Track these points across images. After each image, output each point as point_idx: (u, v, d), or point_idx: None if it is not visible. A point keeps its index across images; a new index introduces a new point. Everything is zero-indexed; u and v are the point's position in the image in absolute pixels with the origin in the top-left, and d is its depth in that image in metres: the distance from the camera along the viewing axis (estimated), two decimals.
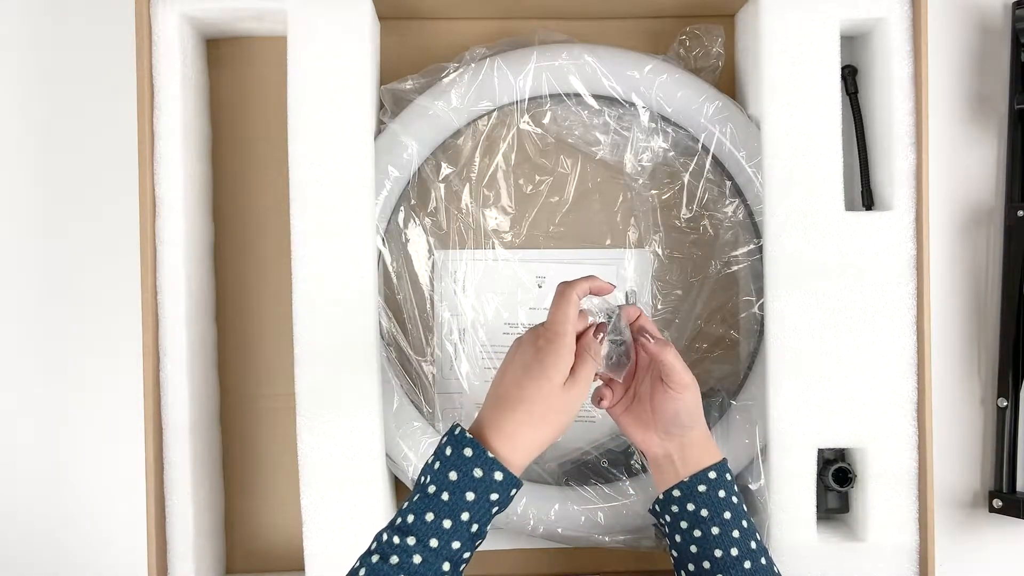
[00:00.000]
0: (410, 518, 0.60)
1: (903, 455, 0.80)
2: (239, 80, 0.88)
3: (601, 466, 0.86)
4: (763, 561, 0.66)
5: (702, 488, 0.67)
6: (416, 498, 0.61)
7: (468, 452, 0.61)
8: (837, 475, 0.81)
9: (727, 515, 0.66)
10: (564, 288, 0.66)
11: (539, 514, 0.82)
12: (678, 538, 0.67)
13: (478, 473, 0.60)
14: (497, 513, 0.62)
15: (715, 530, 0.66)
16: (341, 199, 0.79)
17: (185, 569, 0.80)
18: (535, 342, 0.64)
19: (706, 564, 0.66)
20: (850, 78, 0.86)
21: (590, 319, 0.68)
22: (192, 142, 0.82)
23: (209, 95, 0.87)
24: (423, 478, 0.62)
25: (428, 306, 0.87)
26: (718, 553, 0.65)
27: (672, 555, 0.69)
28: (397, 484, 0.87)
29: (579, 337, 0.66)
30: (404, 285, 0.86)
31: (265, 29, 0.85)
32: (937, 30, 0.88)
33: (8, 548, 0.89)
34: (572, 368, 0.64)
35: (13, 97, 0.88)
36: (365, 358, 0.79)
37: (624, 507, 0.82)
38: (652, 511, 0.71)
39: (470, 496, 0.60)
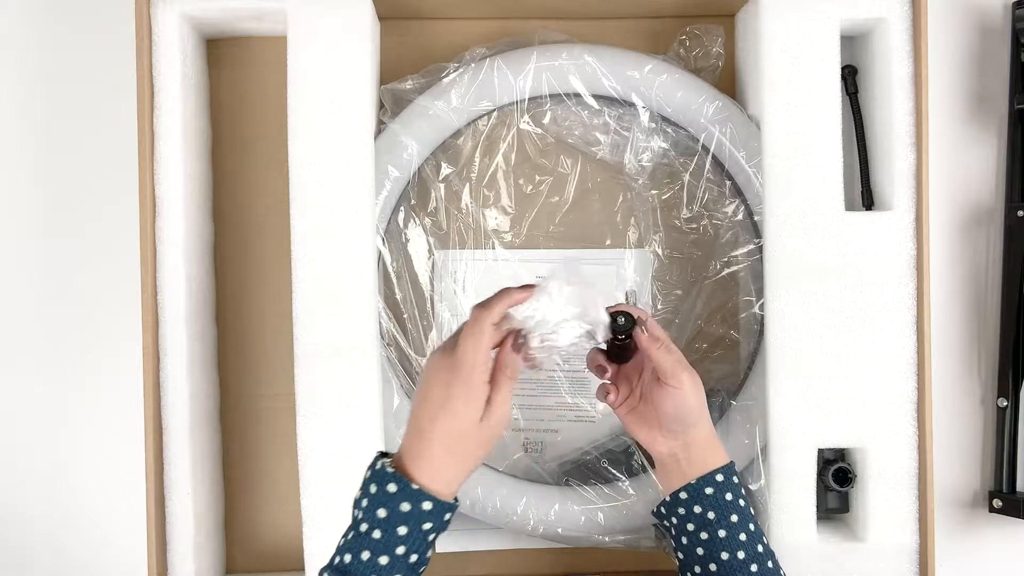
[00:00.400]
0: (347, 557, 0.59)
1: (903, 455, 0.80)
2: (239, 80, 0.88)
3: (601, 466, 0.86)
4: (770, 565, 0.66)
5: (709, 491, 0.66)
6: (351, 536, 0.60)
7: (392, 487, 0.59)
8: (837, 475, 0.81)
9: (734, 518, 0.66)
10: (477, 314, 0.61)
11: (539, 514, 0.82)
12: (684, 540, 0.67)
13: (406, 507, 0.59)
14: (436, 538, 0.61)
15: (722, 533, 0.65)
16: (341, 199, 0.79)
17: (185, 569, 0.80)
18: (445, 373, 0.60)
19: (712, 567, 0.65)
20: (850, 78, 0.86)
21: (517, 320, 0.63)
22: (192, 142, 0.82)
23: (209, 95, 0.87)
24: (356, 513, 0.61)
25: (428, 306, 0.87)
26: (724, 556, 0.65)
27: (677, 557, 0.68)
28: None
29: (499, 345, 0.63)
30: (404, 285, 0.86)
31: (265, 29, 0.85)
32: (937, 30, 0.88)
33: (8, 548, 0.89)
34: (488, 396, 0.61)
35: (13, 97, 0.88)
36: (365, 358, 0.79)
37: (624, 507, 0.82)
38: (656, 513, 0.70)
39: (402, 530, 0.59)
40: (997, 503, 0.87)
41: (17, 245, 0.88)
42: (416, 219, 0.87)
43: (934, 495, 0.80)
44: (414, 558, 0.59)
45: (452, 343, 0.62)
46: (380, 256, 0.84)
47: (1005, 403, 0.87)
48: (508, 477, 0.85)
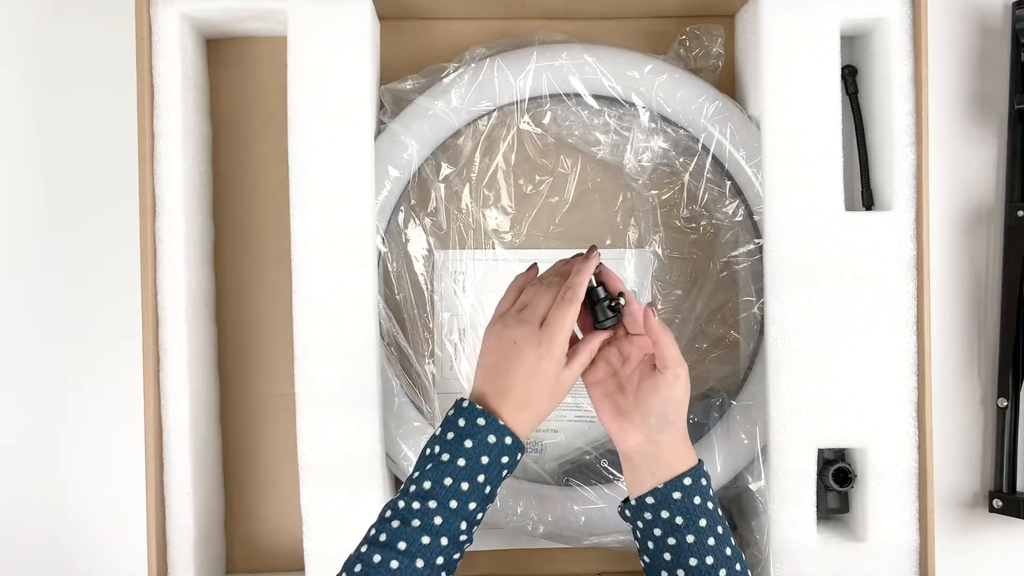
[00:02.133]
0: (427, 484, 0.63)
1: (903, 455, 0.80)
2: (239, 80, 0.88)
3: (601, 466, 0.86)
4: (738, 568, 0.65)
5: (677, 495, 0.65)
6: (429, 467, 0.64)
7: (480, 421, 0.64)
8: (837, 475, 0.81)
9: (702, 522, 0.65)
10: (570, 295, 0.67)
11: (539, 514, 0.82)
12: (651, 545, 0.66)
13: (491, 439, 0.64)
14: (506, 476, 0.66)
15: (690, 538, 0.64)
16: (341, 199, 0.79)
17: (185, 569, 0.80)
18: (536, 346, 0.66)
19: (680, 573, 0.64)
20: (850, 78, 0.86)
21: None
22: (192, 142, 0.82)
23: (209, 95, 0.87)
24: (433, 449, 0.65)
25: (428, 306, 0.87)
26: (693, 562, 0.64)
27: (643, 561, 0.67)
28: (397, 484, 0.87)
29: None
30: (404, 285, 0.86)
31: (265, 29, 0.85)
32: (937, 30, 0.88)
33: (8, 548, 0.89)
34: (569, 352, 0.67)
35: (13, 97, 0.88)
36: (365, 358, 0.79)
37: None
38: (621, 514, 0.69)
39: (484, 460, 0.64)
40: (997, 503, 0.87)
41: (17, 245, 0.88)
42: (416, 219, 0.87)
43: (934, 495, 0.80)
44: (488, 489, 0.64)
45: (532, 316, 0.67)
46: (380, 256, 0.84)
47: (1005, 403, 0.87)
48: (508, 477, 0.85)
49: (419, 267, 0.87)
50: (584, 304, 0.69)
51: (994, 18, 0.90)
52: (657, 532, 0.65)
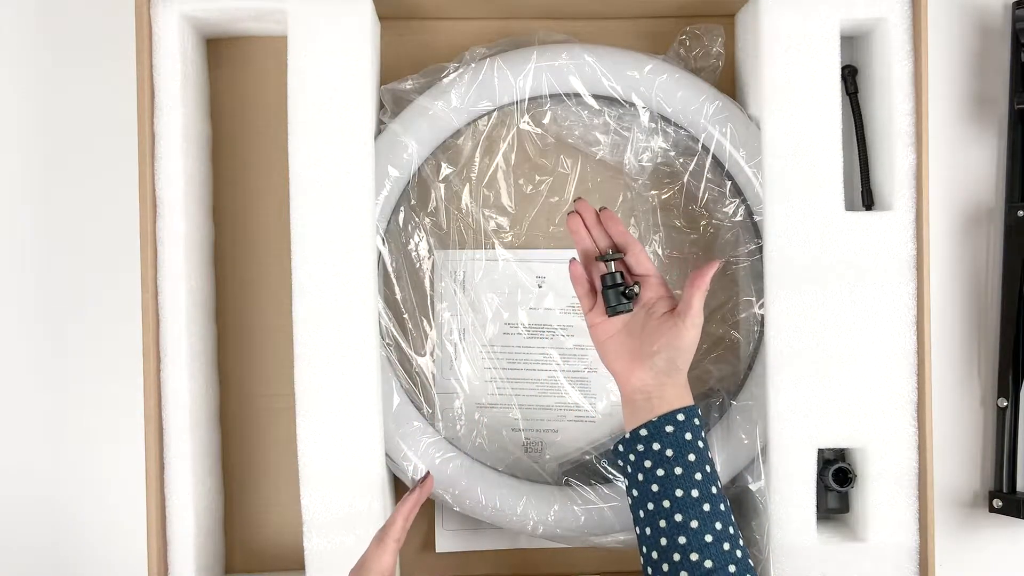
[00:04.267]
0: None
1: (903, 455, 0.80)
2: (239, 80, 0.88)
3: (601, 466, 0.86)
4: (722, 507, 0.67)
5: (669, 428, 0.68)
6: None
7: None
8: (837, 475, 0.81)
9: (691, 457, 0.67)
10: (382, 535, 0.68)
11: (539, 514, 0.82)
12: (640, 477, 0.68)
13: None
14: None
15: (678, 470, 0.67)
16: (341, 199, 0.79)
17: (185, 569, 0.79)
18: None
19: (666, 503, 0.66)
20: (850, 78, 0.86)
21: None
22: (192, 142, 0.82)
23: (209, 95, 0.87)
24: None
25: (428, 306, 0.87)
26: (679, 493, 0.66)
27: (631, 495, 0.69)
28: (397, 484, 0.87)
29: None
30: (404, 285, 0.86)
31: (265, 29, 0.85)
32: (937, 30, 0.88)
33: (8, 548, 0.89)
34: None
35: (13, 97, 0.88)
36: (365, 358, 0.79)
37: (624, 507, 0.82)
38: (615, 451, 0.72)
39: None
40: (997, 503, 0.87)
41: (17, 245, 0.88)
42: (416, 219, 0.87)
43: (934, 495, 0.80)
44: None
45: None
46: (380, 256, 0.84)
47: (1005, 403, 0.87)
48: (508, 477, 0.85)
49: (419, 267, 0.87)
50: (597, 287, 0.72)
51: (994, 18, 0.90)
52: (647, 464, 0.68)
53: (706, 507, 0.66)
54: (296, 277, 0.79)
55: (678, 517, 0.66)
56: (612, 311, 0.72)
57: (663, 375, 0.70)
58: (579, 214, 0.75)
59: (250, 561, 0.88)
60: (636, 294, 0.72)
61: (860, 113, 0.86)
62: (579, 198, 0.75)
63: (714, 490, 0.67)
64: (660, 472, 0.67)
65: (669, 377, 0.70)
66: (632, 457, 0.69)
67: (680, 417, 0.68)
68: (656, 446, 0.68)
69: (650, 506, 0.67)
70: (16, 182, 0.88)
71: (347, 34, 0.79)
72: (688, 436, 0.68)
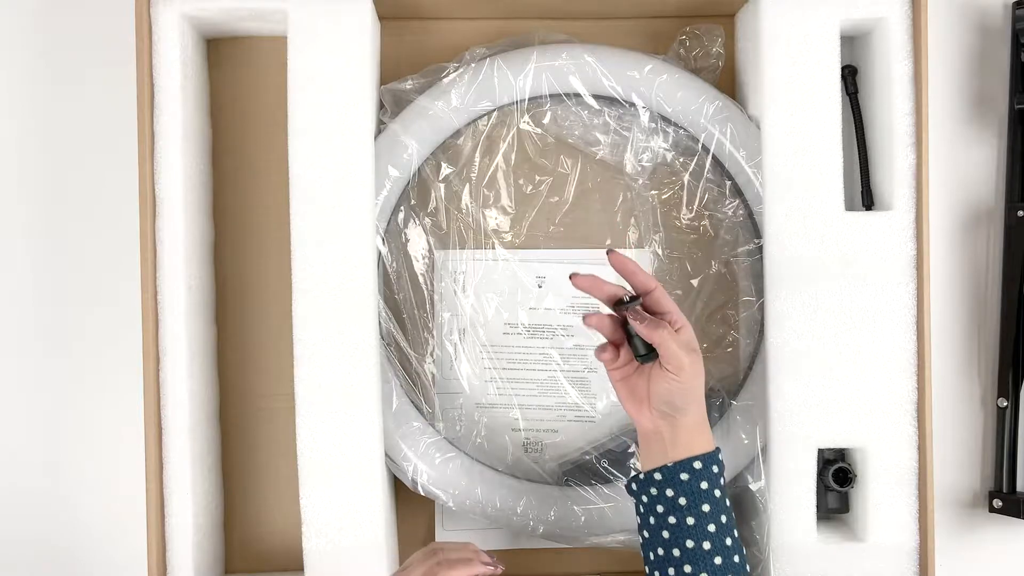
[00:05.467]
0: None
1: (903, 455, 0.80)
2: (239, 80, 0.88)
3: (601, 466, 0.86)
4: (736, 560, 0.65)
5: (684, 476, 0.66)
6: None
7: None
8: (837, 475, 0.81)
9: (705, 508, 0.65)
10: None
11: (539, 514, 0.82)
12: (652, 520, 0.67)
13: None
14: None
15: (690, 520, 0.65)
16: (341, 199, 0.79)
17: (184, 569, 0.79)
18: None
19: (676, 552, 0.65)
20: (850, 78, 0.86)
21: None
22: (192, 142, 0.82)
23: (209, 95, 0.87)
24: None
25: (428, 306, 0.87)
26: (690, 544, 0.65)
27: (642, 535, 0.68)
28: (397, 484, 0.87)
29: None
30: (404, 285, 0.86)
31: (265, 29, 0.85)
32: (937, 30, 0.88)
33: (8, 548, 0.89)
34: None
35: (13, 97, 0.88)
36: (365, 358, 0.79)
37: (624, 507, 0.82)
38: (628, 487, 0.70)
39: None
40: (997, 503, 0.87)
41: (17, 245, 0.88)
42: (416, 219, 0.87)
43: (934, 495, 0.80)
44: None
45: None
46: (380, 256, 0.84)
47: (1005, 403, 0.87)
48: (508, 477, 0.85)
49: (419, 267, 0.87)
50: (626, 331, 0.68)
51: (994, 18, 0.90)
52: (659, 509, 0.66)
53: (717, 560, 0.64)
54: (296, 277, 0.79)
55: (687, 568, 0.64)
56: (643, 359, 0.68)
57: (668, 418, 0.67)
58: (614, 266, 0.70)
59: (250, 561, 0.88)
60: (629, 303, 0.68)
61: (860, 113, 0.86)
62: (611, 250, 0.70)
63: (728, 541, 0.65)
64: (672, 520, 0.65)
65: (676, 419, 0.67)
66: (645, 499, 0.67)
67: (696, 465, 0.66)
68: (669, 492, 0.66)
69: (660, 551, 0.66)
70: (16, 182, 0.88)
71: (347, 34, 0.79)
72: (704, 485, 0.65)
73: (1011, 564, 0.91)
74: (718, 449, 0.68)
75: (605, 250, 0.70)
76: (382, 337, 0.84)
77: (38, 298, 0.88)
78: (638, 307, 0.67)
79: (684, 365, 0.66)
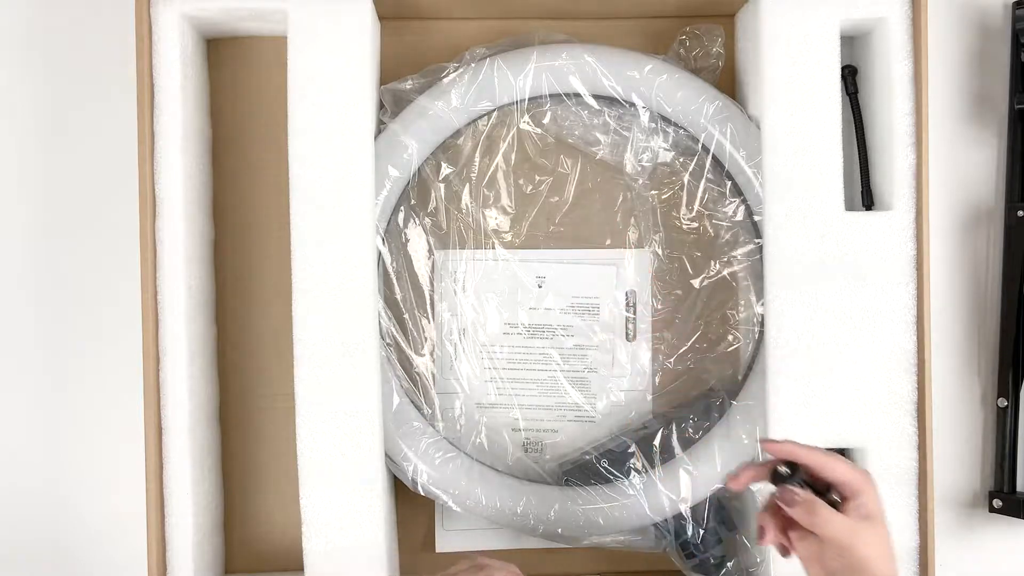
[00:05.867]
0: None
1: (903, 455, 0.80)
2: (239, 80, 0.88)
3: (601, 466, 0.86)
4: None
5: None
6: None
7: None
8: None
9: None
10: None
11: (539, 514, 0.82)
12: None
13: None
14: None
15: None
16: (341, 199, 0.79)
17: (185, 569, 0.79)
18: None
19: None
20: (850, 78, 0.86)
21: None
22: (192, 142, 0.82)
23: (209, 95, 0.87)
24: None
25: (428, 306, 0.87)
26: None
27: None
28: (397, 484, 0.87)
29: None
30: (404, 285, 0.86)
31: (265, 29, 0.85)
32: (937, 30, 0.88)
33: (8, 548, 0.89)
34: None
35: (13, 97, 0.88)
36: (365, 358, 0.79)
37: (624, 507, 0.82)
38: None
39: None
40: (997, 503, 0.87)
41: (17, 245, 0.88)
42: (416, 219, 0.87)
43: (934, 495, 0.80)
44: None
45: None
46: (380, 256, 0.84)
47: (1005, 403, 0.87)
48: (508, 477, 0.85)
49: (419, 267, 0.87)
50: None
51: (994, 18, 0.90)
52: None
53: None
54: (296, 277, 0.79)
55: None
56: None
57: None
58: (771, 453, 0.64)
59: (250, 561, 0.88)
60: (791, 476, 0.61)
61: (860, 113, 0.86)
62: (766, 440, 0.64)
63: None
64: None
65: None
66: None
67: None
68: None
69: None
70: (16, 182, 0.88)
71: (347, 34, 0.79)
72: None
73: (1011, 564, 0.91)
74: None
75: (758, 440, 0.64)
76: (382, 337, 0.84)
77: (38, 298, 0.88)
78: (795, 485, 0.62)
79: (846, 545, 0.60)
